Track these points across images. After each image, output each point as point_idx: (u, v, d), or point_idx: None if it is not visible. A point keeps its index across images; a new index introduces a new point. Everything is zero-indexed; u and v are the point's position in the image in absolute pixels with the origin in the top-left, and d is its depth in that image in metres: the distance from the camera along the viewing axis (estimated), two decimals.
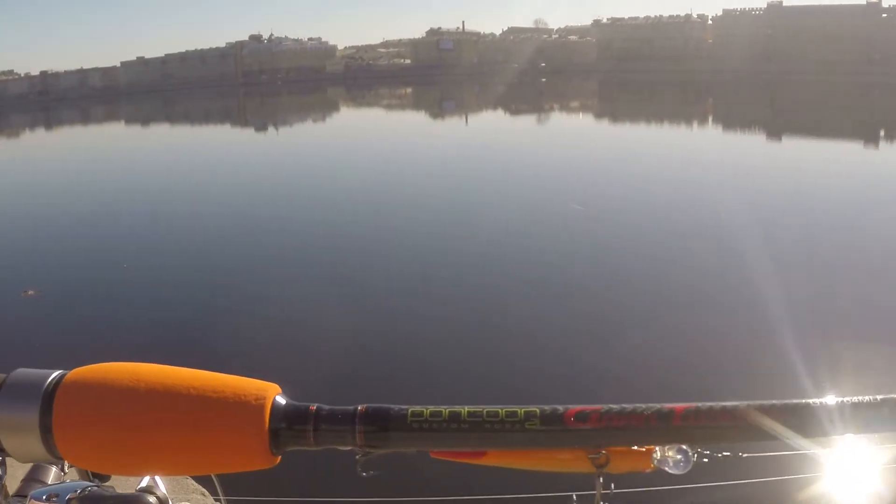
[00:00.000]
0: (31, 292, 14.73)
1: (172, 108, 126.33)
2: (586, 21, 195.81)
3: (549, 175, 29.28)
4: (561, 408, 1.69)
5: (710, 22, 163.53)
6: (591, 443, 1.81)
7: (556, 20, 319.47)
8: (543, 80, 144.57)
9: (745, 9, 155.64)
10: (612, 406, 1.70)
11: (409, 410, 1.72)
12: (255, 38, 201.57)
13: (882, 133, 44.87)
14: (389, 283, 15.40)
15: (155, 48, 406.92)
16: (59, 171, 43.01)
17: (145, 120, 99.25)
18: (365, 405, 1.73)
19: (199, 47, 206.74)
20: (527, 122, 66.96)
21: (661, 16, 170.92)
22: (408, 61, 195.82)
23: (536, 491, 2.67)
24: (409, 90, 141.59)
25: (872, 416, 1.69)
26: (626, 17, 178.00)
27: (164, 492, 1.60)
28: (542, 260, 17.17)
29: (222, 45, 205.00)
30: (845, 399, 1.65)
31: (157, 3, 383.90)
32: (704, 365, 10.33)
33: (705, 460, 2.15)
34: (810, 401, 1.67)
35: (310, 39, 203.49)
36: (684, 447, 2.01)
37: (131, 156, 50.46)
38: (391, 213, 23.10)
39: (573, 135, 50.94)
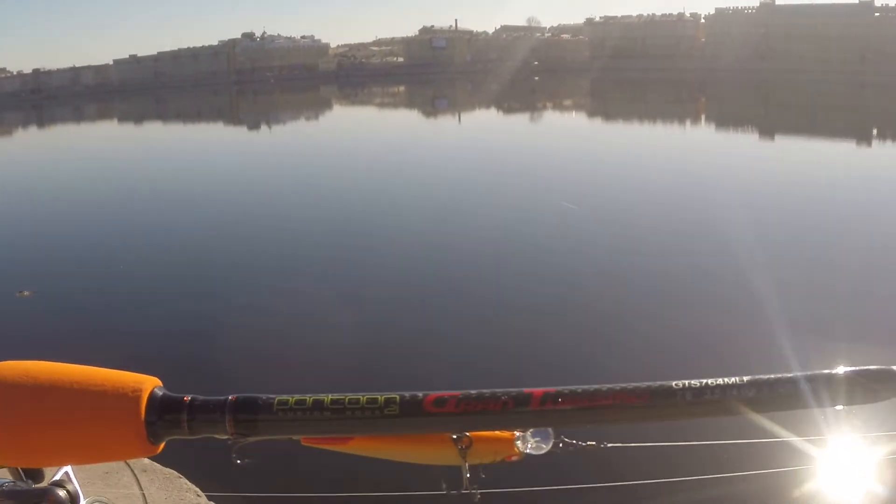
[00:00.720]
0: (26, 293, 14.70)
1: (165, 106, 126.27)
2: (579, 20, 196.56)
3: (541, 173, 29.29)
4: (420, 394, 1.73)
5: (702, 20, 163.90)
6: (450, 428, 1.85)
7: (549, 19, 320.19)
8: (536, 78, 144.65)
9: (737, 7, 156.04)
10: (470, 392, 1.74)
11: (276, 399, 1.79)
12: (248, 36, 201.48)
13: (874, 132, 44.97)
14: (380, 279, 15.43)
15: (147, 46, 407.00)
16: (52, 170, 42.88)
17: (138, 118, 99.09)
18: (236, 395, 1.80)
19: (192, 45, 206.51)
20: (520, 120, 67.06)
21: (653, 14, 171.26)
22: (400, 59, 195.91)
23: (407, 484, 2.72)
24: (401, 88, 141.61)
25: (732, 398, 1.71)
26: (619, 15, 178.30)
27: (76, 486, 1.73)
28: (532, 259, 17.20)
29: (215, 42, 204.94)
30: (709, 381, 1.68)
31: (150, 1, 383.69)
32: (697, 361, 10.36)
33: (571, 447, 2.22)
34: (673, 383, 1.69)
35: (302, 37, 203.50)
36: (547, 430, 2.07)
37: (124, 155, 50.40)
38: (382, 211, 23.11)
39: (566, 133, 51.05)
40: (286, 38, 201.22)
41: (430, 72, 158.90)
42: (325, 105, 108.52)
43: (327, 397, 1.81)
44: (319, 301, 14.19)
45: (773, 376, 1.67)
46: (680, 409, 1.65)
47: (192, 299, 15.54)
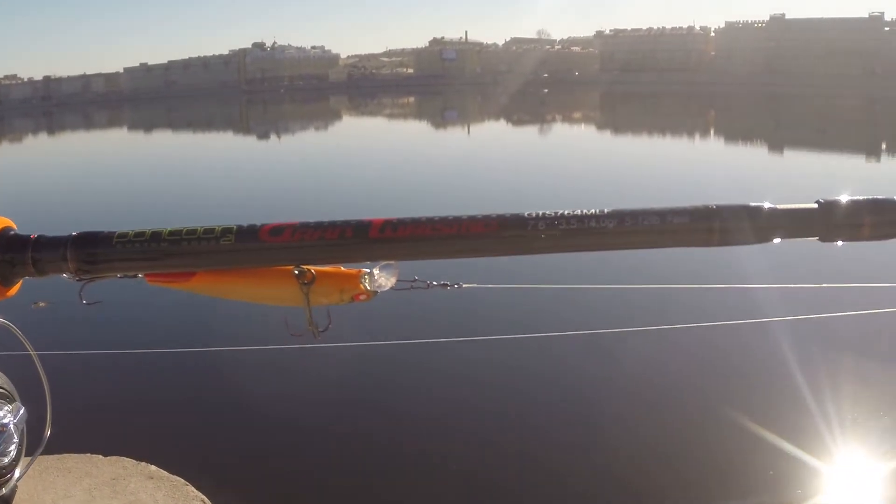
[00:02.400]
0: (41, 304, 14.49)
1: (175, 114, 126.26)
2: (589, 32, 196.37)
3: (549, 186, 29.27)
4: (258, 224, 1.72)
5: (712, 34, 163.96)
6: (289, 259, 1.87)
7: (559, 31, 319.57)
8: (546, 90, 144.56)
9: (747, 21, 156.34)
10: (308, 221, 1.73)
11: (116, 233, 1.78)
12: (259, 46, 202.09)
13: (883, 146, 44.84)
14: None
15: (158, 55, 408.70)
16: (62, 177, 42.91)
17: (148, 126, 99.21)
18: (79, 232, 1.78)
19: (203, 54, 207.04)
20: (529, 132, 66.93)
21: (663, 27, 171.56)
22: (410, 70, 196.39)
23: None
24: (411, 99, 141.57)
25: (590, 230, 1.69)
26: (629, 28, 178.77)
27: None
28: (537, 273, 17.14)
29: (226, 52, 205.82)
30: (566, 212, 1.67)
31: (161, 10, 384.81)
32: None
33: (423, 285, 2.20)
34: (525, 213, 1.68)
35: (313, 48, 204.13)
36: (390, 265, 2.03)
37: (134, 162, 50.51)
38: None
39: (574, 146, 50.94)
40: (297, 48, 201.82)
41: (440, 83, 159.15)
42: (335, 116, 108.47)
43: (165, 230, 1.85)
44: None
45: (638, 208, 1.69)
46: (531, 240, 1.63)
47: (196, 316, 15.31)
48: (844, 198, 1.84)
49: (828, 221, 1.85)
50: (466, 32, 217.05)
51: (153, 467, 6.36)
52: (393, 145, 54.78)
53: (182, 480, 6.22)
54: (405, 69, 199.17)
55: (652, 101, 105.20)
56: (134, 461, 6.58)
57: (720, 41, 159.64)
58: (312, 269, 1.90)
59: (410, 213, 1.77)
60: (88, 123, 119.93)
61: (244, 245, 1.72)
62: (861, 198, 1.84)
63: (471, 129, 73.29)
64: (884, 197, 1.81)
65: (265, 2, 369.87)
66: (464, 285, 2.27)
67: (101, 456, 6.69)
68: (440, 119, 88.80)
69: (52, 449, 7.00)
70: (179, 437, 8.90)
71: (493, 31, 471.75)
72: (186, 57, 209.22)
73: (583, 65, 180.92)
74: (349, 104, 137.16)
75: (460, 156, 44.78)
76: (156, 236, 1.76)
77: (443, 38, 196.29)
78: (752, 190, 26.98)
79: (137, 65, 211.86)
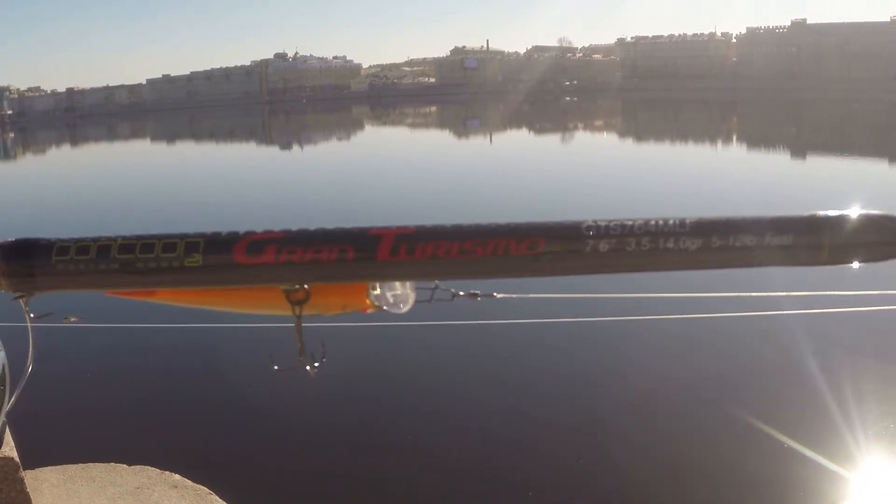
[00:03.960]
0: (73, 319, 14.34)
1: (197, 125, 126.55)
2: (610, 40, 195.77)
3: (572, 194, 29.18)
4: (233, 236, 1.59)
5: (734, 40, 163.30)
6: (273, 283, 1.67)
7: (581, 39, 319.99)
8: (568, 98, 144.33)
9: (768, 27, 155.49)
10: (298, 234, 1.61)
11: (56, 246, 1.55)
12: (281, 57, 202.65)
13: None
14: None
15: (181, 66, 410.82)
16: (86, 188, 42.99)
17: (170, 137, 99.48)
18: (16, 239, 1.57)
19: (225, 65, 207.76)
20: (551, 140, 66.70)
21: (685, 34, 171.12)
22: (432, 79, 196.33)
23: None
24: (433, 108, 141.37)
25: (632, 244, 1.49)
26: (651, 35, 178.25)
27: None
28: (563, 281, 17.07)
29: (248, 63, 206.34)
30: (611, 222, 1.48)
31: (184, 22, 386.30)
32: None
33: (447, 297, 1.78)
34: (583, 224, 1.53)
35: (335, 58, 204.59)
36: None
37: (158, 174, 50.61)
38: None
39: (597, 154, 50.67)
40: (318, 58, 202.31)
41: (462, 92, 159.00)
42: (357, 125, 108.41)
43: (116, 242, 1.63)
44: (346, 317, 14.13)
45: (725, 218, 1.50)
46: (587, 259, 1.44)
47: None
48: None
49: None
50: (488, 41, 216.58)
51: (177, 476, 6.40)
52: (414, 154, 54.72)
53: (206, 490, 6.26)
54: (427, 78, 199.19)
55: (675, 108, 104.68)
56: (158, 470, 6.62)
57: (742, 47, 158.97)
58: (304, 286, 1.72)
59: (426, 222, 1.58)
60: (111, 134, 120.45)
61: (214, 266, 1.53)
62: None
63: (493, 137, 73.15)
64: None
65: (287, 13, 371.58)
66: (497, 295, 2.05)
67: (125, 465, 6.74)
68: (462, 128, 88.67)
69: (76, 458, 7.06)
70: (203, 447, 8.92)
71: (514, 39, 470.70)
72: (209, 68, 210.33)
73: (605, 72, 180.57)
74: (371, 114, 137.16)
75: (482, 164, 44.73)
76: (103, 252, 1.56)
77: (464, 46, 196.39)
78: (773, 195, 26.87)
79: (160, 76, 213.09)
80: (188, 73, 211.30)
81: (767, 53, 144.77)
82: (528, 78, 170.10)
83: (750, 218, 1.52)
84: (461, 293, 1.95)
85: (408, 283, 1.79)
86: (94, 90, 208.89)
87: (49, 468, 6.53)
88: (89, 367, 12.21)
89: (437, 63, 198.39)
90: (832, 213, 1.52)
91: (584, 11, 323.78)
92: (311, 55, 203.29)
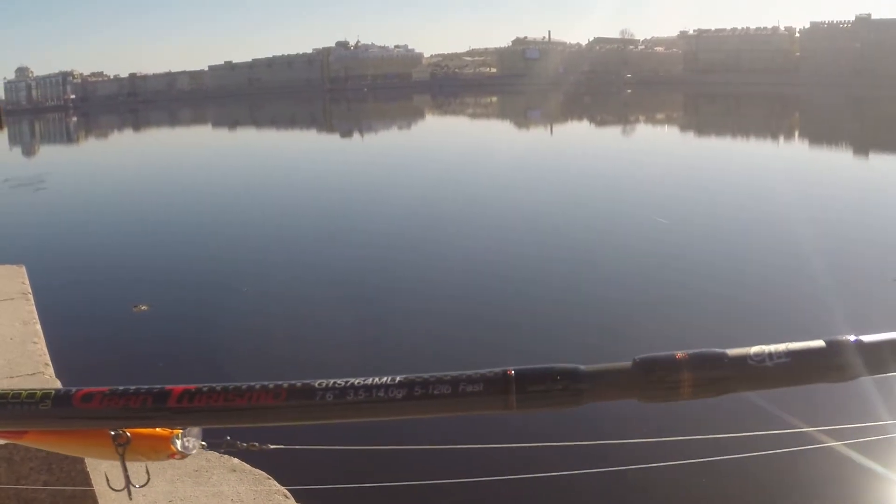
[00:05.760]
0: (142, 307, 14.46)
1: (258, 111, 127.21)
2: (673, 32, 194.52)
3: (633, 187, 29.04)
4: (73, 389, 1.80)
5: (797, 34, 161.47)
6: (99, 424, 1.89)
7: (643, 31, 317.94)
8: (629, 91, 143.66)
9: (832, 21, 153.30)
10: (116, 387, 1.78)
11: None
12: (342, 45, 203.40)
13: None
14: (483, 284, 15.51)
15: (243, 53, 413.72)
16: (152, 176, 43.11)
17: (232, 123, 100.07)
18: None
19: (287, 53, 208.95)
20: (612, 133, 66.49)
21: (748, 28, 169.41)
22: (493, 70, 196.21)
23: None
24: (494, 99, 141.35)
25: (379, 399, 1.67)
26: (713, 28, 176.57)
27: None
28: (628, 273, 16.97)
29: (309, 51, 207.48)
30: (355, 381, 1.67)
31: (247, 9, 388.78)
32: None
33: (233, 448, 2.25)
34: (316, 382, 1.69)
35: (396, 47, 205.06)
36: (195, 430, 2.09)
37: (224, 161, 50.91)
38: (477, 222, 22.95)
39: (658, 147, 50.38)
40: (380, 47, 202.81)
41: (523, 83, 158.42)
42: (418, 114, 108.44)
43: None
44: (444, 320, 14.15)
45: (429, 375, 1.66)
46: (321, 410, 1.65)
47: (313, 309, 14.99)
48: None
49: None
50: (549, 32, 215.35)
51: (236, 460, 6.41)
52: (475, 145, 54.71)
53: (264, 474, 6.26)
54: (488, 68, 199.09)
55: (737, 103, 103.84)
56: (217, 453, 6.63)
57: (805, 42, 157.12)
58: (128, 431, 1.98)
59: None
60: (174, 120, 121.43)
61: (60, 411, 1.82)
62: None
63: (553, 129, 72.93)
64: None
65: (349, 1, 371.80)
66: (270, 446, 2.41)
67: None
68: (523, 119, 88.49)
69: None
70: (263, 431, 8.90)
71: (576, 30, 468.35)
72: (270, 55, 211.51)
73: (666, 65, 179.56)
74: (432, 103, 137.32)
75: (543, 156, 44.65)
76: None
77: (525, 37, 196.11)
78: (835, 193, 26.55)
79: (222, 63, 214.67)
80: (250, 59, 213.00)
81: (831, 48, 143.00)
82: (590, 69, 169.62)
83: (451, 374, 1.64)
84: (244, 444, 2.39)
85: (197, 437, 2.09)
86: (156, 76, 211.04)
87: None
88: (151, 350, 12.32)
89: (499, 53, 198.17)
90: (525, 367, 1.61)
91: (647, 2, 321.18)
92: (372, 44, 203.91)
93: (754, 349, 1.53)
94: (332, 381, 1.65)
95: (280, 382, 1.70)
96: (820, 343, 1.55)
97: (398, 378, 1.64)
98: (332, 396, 1.65)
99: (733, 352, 1.54)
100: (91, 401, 1.74)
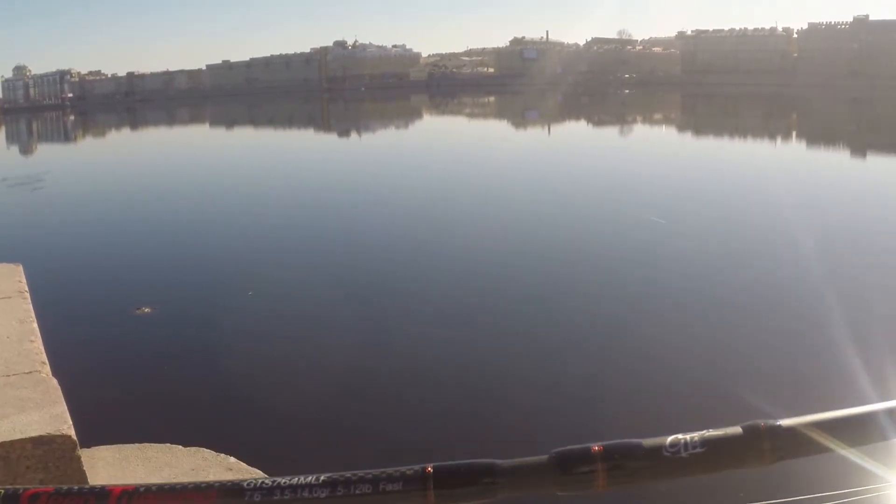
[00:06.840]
0: (146, 309, 14.31)
1: (256, 111, 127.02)
2: (670, 33, 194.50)
3: (630, 187, 29.02)
4: (21, 489, 1.79)
5: (795, 35, 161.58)
6: None
7: (641, 31, 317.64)
8: (627, 91, 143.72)
9: (830, 22, 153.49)
10: (60, 487, 1.79)
11: None
12: (340, 44, 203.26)
13: None
14: (482, 288, 15.45)
15: (240, 52, 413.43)
16: (151, 177, 42.81)
17: (229, 122, 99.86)
18: None
19: (284, 52, 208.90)
20: (609, 133, 66.43)
21: (746, 28, 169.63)
22: (491, 70, 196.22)
23: None
24: (491, 99, 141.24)
25: (304, 499, 1.71)
26: (711, 29, 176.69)
27: None
28: (624, 274, 16.93)
29: (307, 50, 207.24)
30: (282, 480, 1.70)
31: (244, 8, 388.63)
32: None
33: None
34: (245, 482, 1.70)
35: (394, 46, 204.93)
36: None
37: (223, 162, 50.67)
38: (474, 223, 22.92)
39: (656, 148, 50.39)
40: (378, 46, 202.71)
41: (521, 83, 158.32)
42: (416, 114, 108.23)
43: None
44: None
45: (351, 473, 1.68)
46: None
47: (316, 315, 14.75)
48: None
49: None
50: (547, 32, 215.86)
51: (232, 459, 6.41)
52: (473, 145, 54.59)
53: (262, 473, 6.25)
54: (486, 68, 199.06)
55: (734, 103, 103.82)
56: (213, 452, 6.63)
57: (803, 42, 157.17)
58: None
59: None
60: (172, 119, 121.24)
61: None
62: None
63: (551, 129, 72.83)
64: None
65: (347, 1, 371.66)
66: None
67: (180, 446, 6.76)
68: (520, 119, 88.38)
69: (132, 438, 7.08)
70: (259, 430, 8.93)
71: (574, 30, 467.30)
72: (268, 55, 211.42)
73: (664, 65, 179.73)
74: (430, 103, 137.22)
75: (541, 156, 44.65)
76: None
77: (523, 37, 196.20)
78: (834, 194, 26.55)
79: (220, 62, 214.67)
80: (248, 59, 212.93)
81: (829, 49, 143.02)
82: (588, 70, 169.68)
83: (372, 472, 1.66)
84: None
85: None
86: (153, 75, 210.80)
87: (105, 447, 6.56)
88: (151, 352, 12.30)
89: (497, 53, 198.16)
90: (443, 464, 1.65)
91: (645, 3, 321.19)
92: (370, 43, 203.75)
93: (670, 439, 1.52)
94: (260, 480, 1.70)
95: (211, 482, 1.69)
96: (737, 430, 1.54)
97: (322, 477, 1.65)
98: (259, 497, 1.65)
99: (649, 442, 1.54)
100: (37, 501, 1.79)
